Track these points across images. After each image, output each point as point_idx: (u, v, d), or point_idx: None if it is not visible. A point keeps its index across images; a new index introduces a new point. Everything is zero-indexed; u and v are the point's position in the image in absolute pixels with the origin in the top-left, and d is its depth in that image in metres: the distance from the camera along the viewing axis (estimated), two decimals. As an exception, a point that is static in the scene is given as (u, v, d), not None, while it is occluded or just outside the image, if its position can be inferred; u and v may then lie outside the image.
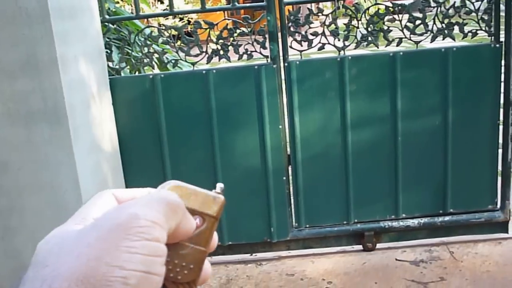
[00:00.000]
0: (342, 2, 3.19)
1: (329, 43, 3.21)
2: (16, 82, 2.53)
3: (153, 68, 3.33)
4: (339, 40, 3.20)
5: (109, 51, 3.20)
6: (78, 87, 2.72)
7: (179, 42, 3.21)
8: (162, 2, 8.81)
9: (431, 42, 3.21)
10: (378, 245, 3.51)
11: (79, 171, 2.63)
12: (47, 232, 1.69)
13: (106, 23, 3.20)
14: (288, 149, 3.38)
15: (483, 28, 3.16)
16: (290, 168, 3.40)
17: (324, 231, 3.48)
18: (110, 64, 3.22)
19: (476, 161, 3.37)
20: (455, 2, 3.13)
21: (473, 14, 3.12)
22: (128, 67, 3.33)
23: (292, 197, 3.46)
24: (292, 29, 3.20)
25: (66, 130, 2.57)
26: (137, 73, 3.49)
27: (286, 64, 3.22)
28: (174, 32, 3.27)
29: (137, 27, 3.60)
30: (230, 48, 3.22)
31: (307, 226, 3.48)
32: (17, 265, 2.73)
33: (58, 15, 2.53)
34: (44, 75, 2.51)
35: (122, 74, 3.33)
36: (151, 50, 3.27)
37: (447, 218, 3.44)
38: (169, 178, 3.30)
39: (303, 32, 3.22)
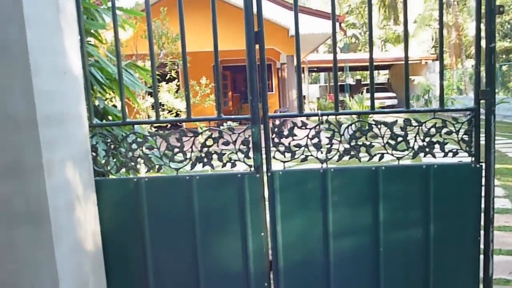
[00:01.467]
0: (326, 117, 3.23)
1: (311, 155, 3.23)
2: (0, 184, 2.54)
3: (138, 173, 3.34)
4: (321, 152, 3.22)
5: (94, 154, 3.22)
6: (63, 190, 2.71)
7: (164, 147, 3.23)
8: (151, 95, 8.98)
9: (412, 159, 3.22)
10: None
11: (59, 272, 2.59)
12: None
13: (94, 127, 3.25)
14: (270, 256, 3.32)
15: (464, 148, 3.18)
16: (271, 274, 3.34)
17: None
18: (95, 166, 3.23)
19: (458, 275, 3.29)
20: (436, 122, 3.17)
21: (454, 134, 3.15)
22: (115, 168, 3.34)
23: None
24: (275, 140, 3.23)
25: (48, 232, 2.56)
26: (124, 172, 3.51)
27: (269, 174, 3.22)
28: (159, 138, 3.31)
29: (125, 130, 3.65)
30: (214, 156, 3.25)
31: (288, 336, 3.37)
32: None
33: (46, 122, 2.57)
34: (29, 179, 2.53)
35: (109, 175, 3.35)
36: (136, 155, 3.30)
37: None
38: (151, 280, 3.26)
39: (286, 144, 3.24)
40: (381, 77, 45.13)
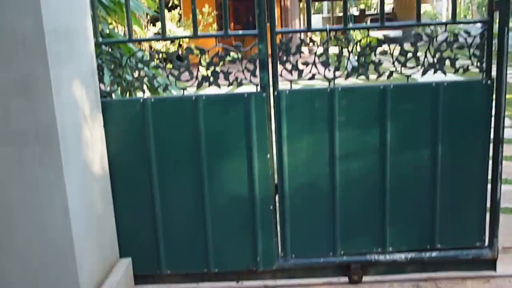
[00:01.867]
0: (334, 33, 3.14)
1: (319, 73, 3.15)
2: (8, 102, 2.49)
3: (144, 92, 3.28)
4: (329, 70, 3.14)
5: (100, 73, 3.16)
6: (70, 109, 2.67)
7: (170, 66, 3.15)
8: (154, 25, 8.78)
9: (422, 76, 3.14)
10: (365, 278, 3.41)
11: (68, 193, 2.58)
12: (33, 253, 2.23)
13: (99, 46, 3.17)
14: (276, 179, 3.31)
15: (475, 64, 3.10)
16: (277, 197, 3.33)
17: (310, 262, 3.39)
18: (102, 86, 3.17)
19: (465, 197, 3.28)
20: (447, 36, 3.07)
21: (465, 49, 3.06)
22: (119, 89, 3.28)
23: (278, 227, 3.38)
24: (283, 58, 3.15)
25: (57, 151, 2.53)
26: (127, 96, 3.45)
27: (276, 93, 3.16)
28: (165, 56, 3.23)
29: (130, 49, 3.56)
30: (221, 75, 3.17)
31: (293, 256, 3.39)
32: (3, 285, 2.69)
33: (53, 37, 2.49)
34: (37, 96, 2.48)
35: (114, 97, 3.29)
36: (142, 74, 3.23)
37: (434, 253, 3.35)
38: (157, 202, 3.27)
39: (293, 62, 3.16)
40: (386, 7, 44.09)
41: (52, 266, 2.66)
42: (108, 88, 3.22)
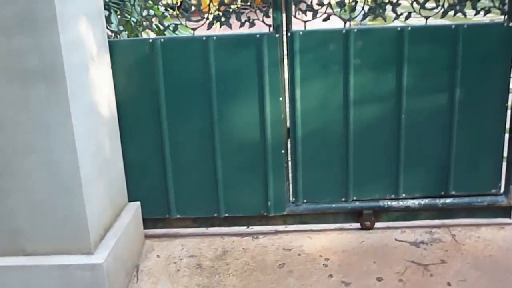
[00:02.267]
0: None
1: (334, 14, 3.03)
2: (13, 39, 2.40)
3: (153, 32, 3.17)
4: (345, 11, 3.01)
5: (107, 13, 3.05)
6: (77, 48, 2.58)
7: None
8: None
9: (441, 18, 3.01)
10: (377, 224, 3.37)
11: (76, 133, 2.52)
12: (41, 194, 2.28)
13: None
14: (288, 123, 3.23)
15: (497, 6, 2.95)
16: (289, 142, 3.26)
17: (322, 208, 3.34)
18: (108, 26, 3.07)
19: (482, 143, 3.19)
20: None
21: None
22: (127, 31, 3.18)
23: (290, 172, 3.32)
24: (297, -3, 3.02)
25: (64, 91, 2.45)
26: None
27: (289, 34, 3.04)
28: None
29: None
30: (232, 15, 3.06)
31: (305, 201, 3.34)
32: (11, 227, 2.66)
33: None
34: (42, 32, 2.38)
35: (120, 38, 3.19)
36: (151, 13, 3.11)
37: (448, 200, 3.28)
38: (166, 146, 3.20)
39: (308, 1, 3.03)
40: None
41: (61, 207, 2.62)
42: (115, 29, 3.11)
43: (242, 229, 3.45)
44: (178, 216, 3.37)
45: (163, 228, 3.44)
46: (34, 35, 2.39)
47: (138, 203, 3.29)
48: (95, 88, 2.79)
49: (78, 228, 2.65)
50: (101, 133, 2.88)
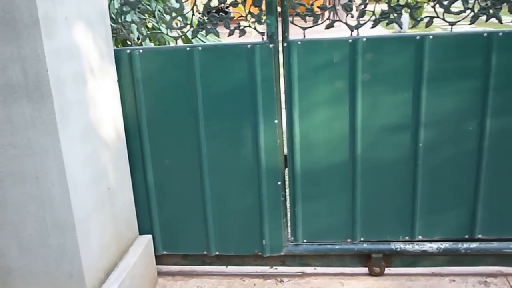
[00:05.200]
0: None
1: (339, 20, 2.36)
2: None
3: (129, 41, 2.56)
4: (352, 16, 2.35)
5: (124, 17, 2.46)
6: (69, 57, 2.00)
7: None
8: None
9: (470, 24, 2.31)
10: (388, 270, 2.67)
11: (66, 160, 1.96)
12: (31, 230, 1.94)
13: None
14: (286, 149, 2.57)
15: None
16: (287, 172, 2.59)
17: (325, 249, 2.66)
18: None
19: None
20: (505, -29, 2.23)
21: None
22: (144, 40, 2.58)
23: (288, 206, 2.65)
24: (294, 0, 2.37)
25: (51, 109, 1.90)
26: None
27: (285, 44, 2.39)
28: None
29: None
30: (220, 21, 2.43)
31: (305, 241, 2.67)
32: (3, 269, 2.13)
33: None
34: (23, 38, 1.83)
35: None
36: (128, 19, 2.51)
37: (474, 245, 2.57)
38: (150, 175, 2.57)
39: (308, 5, 2.37)
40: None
41: (53, 245, 2.07)
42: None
43: (265, 269, 2.80)
44: (165, 252, 2.78)
45: (174, 265, 2.84)
46: (14, 43, 1.85)
47: (150, 236, 2.69)
48: (95, 106, 2.20)
49: (72, 270, 2.09)
50: (103, 158, 2.28)
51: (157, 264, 2.77)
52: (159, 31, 2.54)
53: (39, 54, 1.84)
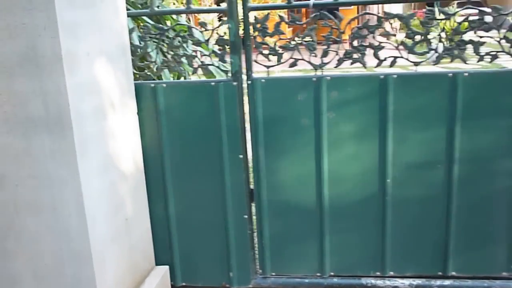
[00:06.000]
0: (320, 9, 2.25)
1: (303, 59, 2.30)
2: (13, 82, 1.87)
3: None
4: (315, 56, 2.28)
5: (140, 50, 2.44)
6: (90, 92, 2.00)
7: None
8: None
9: (434, 64, 2.23)
10: (358, 305, 2.62)
11: (84, 192, 1.96)
12: (48, 259, 1.92)
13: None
14: (252, 183, 2.53)
15: (507, 50, 2.14)
16: (253, 205, 2.56)
17: (294, 282, 2.61)
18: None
19: (491, 215, 2.39)
20: (468, 15, 2.13)
21: (494, 31, 2.11)
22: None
23: (256, 239, 2.62)
24: (258, 39, 2.31)
25: (71, 142, 1.90)
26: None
27: (249, 82, 2.34)
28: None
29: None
30: (183, 59, 2.39)
31: (273, 274, 2.63)
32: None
33: (66, 2, 1.83)
34: (46, 74, 1.84)
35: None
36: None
37: (447, 282, 2.49)
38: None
39: (271, 44, 2.32)
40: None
41: (69, 274, 2.06)
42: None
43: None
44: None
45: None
46: (37, 78, 1.86)
47: (167, 267, 2.65)
48: (114, 139, 2.19)
49: (88, 301, 2.06)
50: (121, 190, 2.26)
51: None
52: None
53: (61, 89, 1.85)
